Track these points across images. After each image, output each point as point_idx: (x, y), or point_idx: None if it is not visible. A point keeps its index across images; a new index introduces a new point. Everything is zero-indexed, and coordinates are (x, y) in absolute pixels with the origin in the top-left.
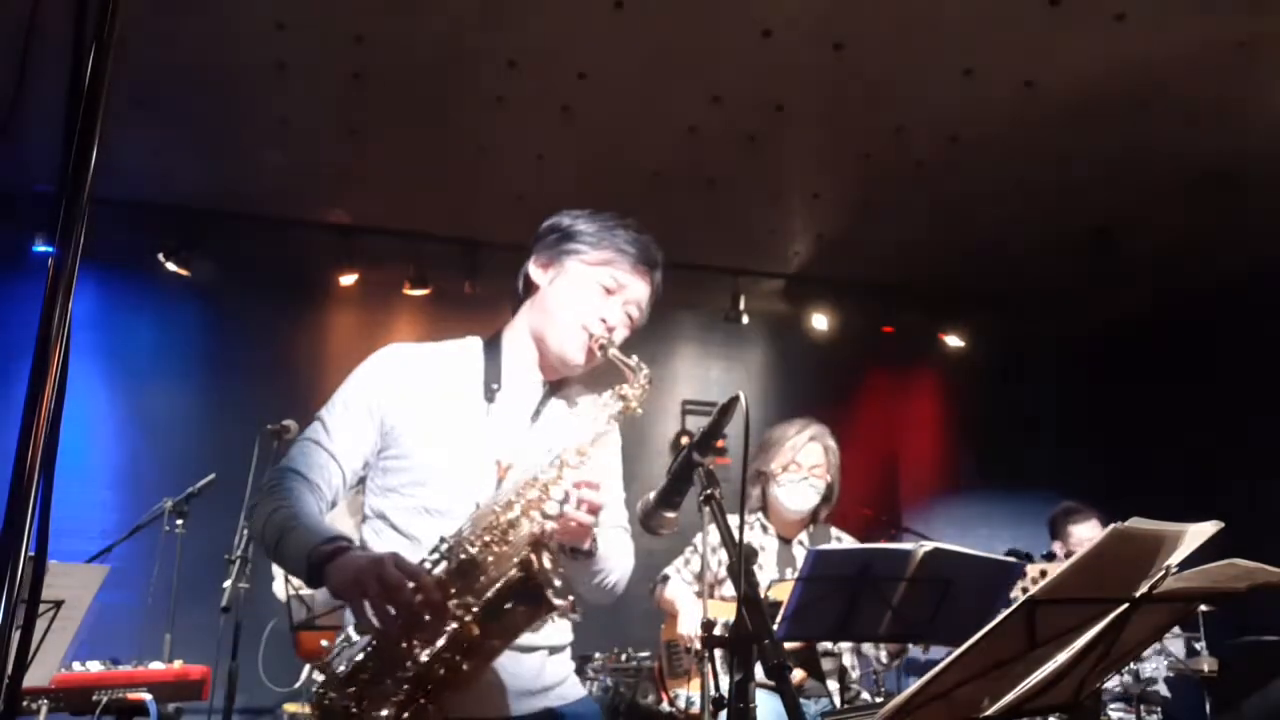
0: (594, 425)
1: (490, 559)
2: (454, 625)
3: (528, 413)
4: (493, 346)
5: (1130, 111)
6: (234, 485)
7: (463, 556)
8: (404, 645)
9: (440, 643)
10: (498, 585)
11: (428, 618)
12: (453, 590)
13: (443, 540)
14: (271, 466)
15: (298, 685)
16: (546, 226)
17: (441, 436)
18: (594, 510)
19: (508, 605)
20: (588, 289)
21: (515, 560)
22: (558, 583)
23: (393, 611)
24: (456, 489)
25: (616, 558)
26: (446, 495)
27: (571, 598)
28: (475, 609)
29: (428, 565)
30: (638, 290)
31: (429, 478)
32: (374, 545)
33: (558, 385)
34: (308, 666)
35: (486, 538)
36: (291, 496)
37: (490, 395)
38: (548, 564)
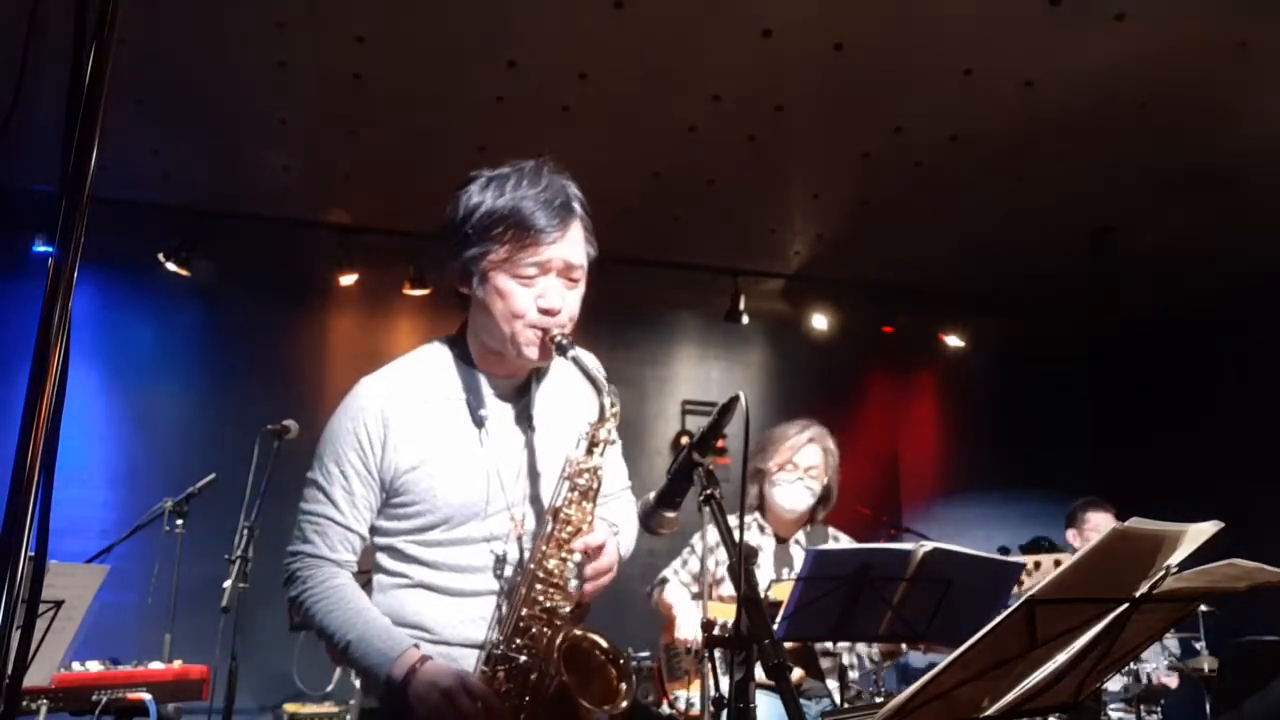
0: (577, 482)
1: (537, 651)
2: None
3: (519, 427)
4: (462, 359)
5: (1130, 111)
6: (234, 485)
7: (518, 663)
8: None
9: None
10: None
11: None
12: (518, 702)
13: (491, 649)
14: (290, 553)
15: (330, 688)
16: (447, 228)
17: (448, 480)
18: (604, 575)
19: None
20: (513, 291)
21: (553, 670)
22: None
23: None
24: (473, 520)
25: (626, 541)
26: (464, 529)
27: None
28: None
29: (485, 672)
30: (564, 251)
31: (445, 518)
32: (389, 568)
33: (533, 375)
34: (339, 670)
35: (527, 637)
36: (329, 590)
37: (480, 422)
38: (600, 640)
